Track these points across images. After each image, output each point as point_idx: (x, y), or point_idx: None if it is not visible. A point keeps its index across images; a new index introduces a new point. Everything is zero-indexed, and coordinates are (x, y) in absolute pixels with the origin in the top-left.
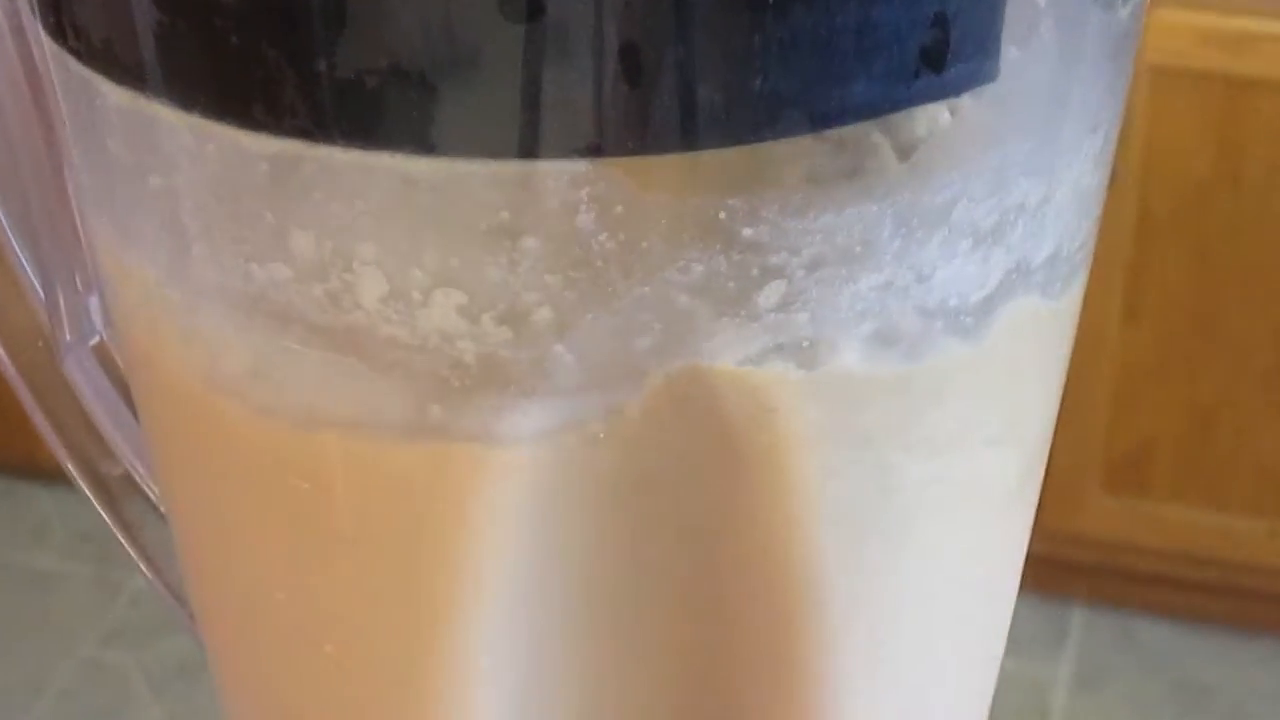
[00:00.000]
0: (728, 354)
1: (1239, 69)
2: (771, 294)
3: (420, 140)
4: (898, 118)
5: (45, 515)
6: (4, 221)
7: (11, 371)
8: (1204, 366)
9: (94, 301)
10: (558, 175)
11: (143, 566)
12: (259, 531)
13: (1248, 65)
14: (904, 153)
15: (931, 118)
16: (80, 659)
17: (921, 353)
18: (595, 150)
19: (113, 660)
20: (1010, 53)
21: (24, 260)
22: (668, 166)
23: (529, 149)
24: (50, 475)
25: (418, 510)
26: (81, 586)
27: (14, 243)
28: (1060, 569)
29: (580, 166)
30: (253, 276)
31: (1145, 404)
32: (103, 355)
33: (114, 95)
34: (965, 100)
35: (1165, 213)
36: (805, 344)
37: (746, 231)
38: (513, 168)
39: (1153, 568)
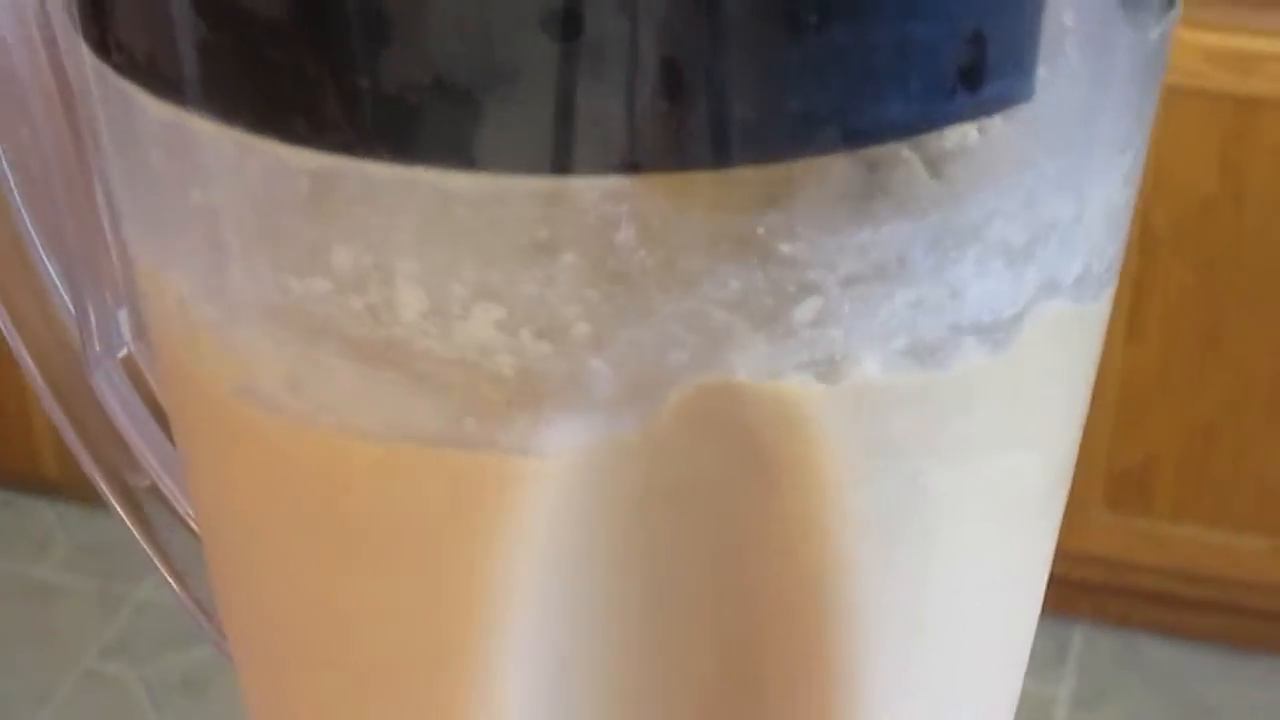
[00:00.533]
0: (761, 368)
1: (1245, 88)
2: (807, 310)
3: (461, 155)
4: (928, 136)
5: (48, 527)
6: (34, 234)
7: (40, 383)
8: (1207, 384)
9: (122, 314)
10: (596, 191)
11: (169, 579)
12: (291, 543)
13: (1253, 85)
14: (934, 168)
15: (961, 133)
16: (82, 671)
17: (949, 362)
18: (633, 166)
19: (114, 673)
20: (1040, 72)
21: (53, 273)
22: (705, 182)
23: (568, 165)
24: (53, 488)
25: (450, 522)
26: (83, 599)
27: (43, 255)
28: (1062, 586)
29: (619, 182)
30: (291, 290)
31: (1148, 421)
32: (130, 368)
33: (156, 109)
34: (995, 119)
35: (1169, 230)
36: (837, 358)
37: (784, 247)
38: (552, 183)
39: (1154, 585)
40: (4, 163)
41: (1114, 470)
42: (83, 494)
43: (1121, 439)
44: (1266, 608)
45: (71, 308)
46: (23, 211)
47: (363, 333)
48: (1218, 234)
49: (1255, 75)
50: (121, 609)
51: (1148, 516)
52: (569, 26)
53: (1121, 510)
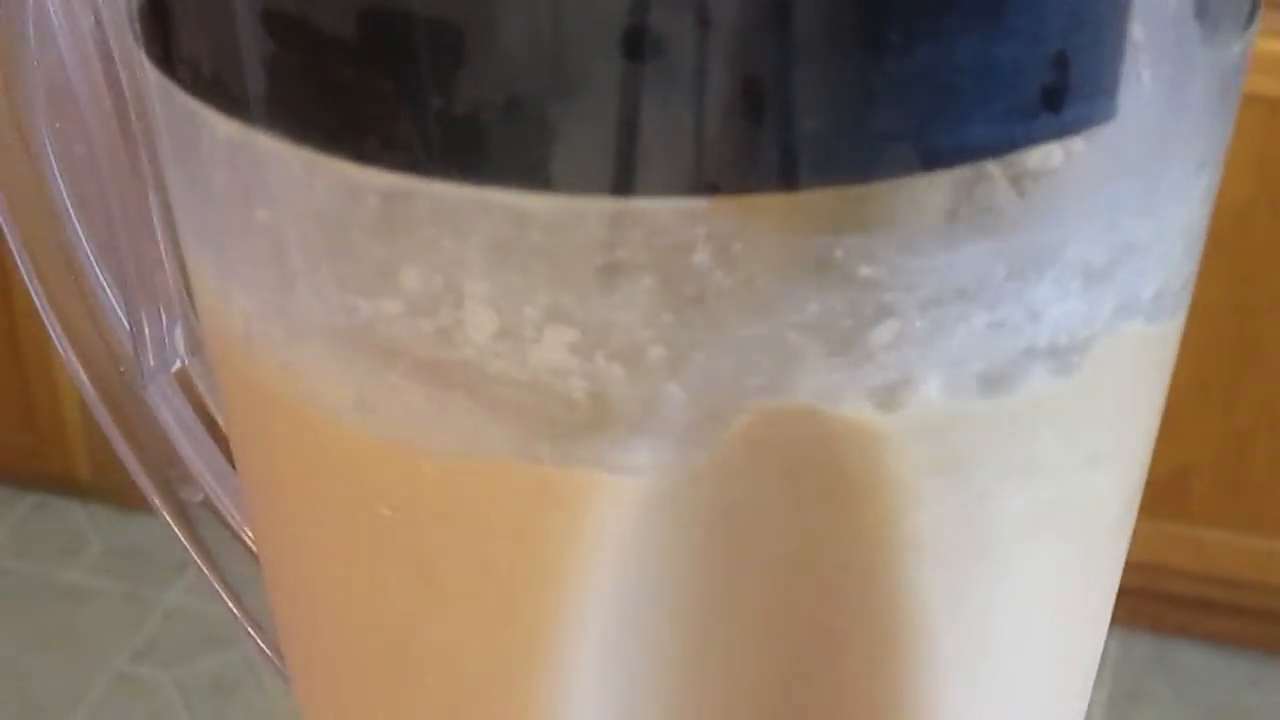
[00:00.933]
0: (835, 391)
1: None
2: (884, 332)
3: (535, 176)
4: (1013, 155)
5: (80, 530)
6: (88, 249)
7: (93, 396)
8: (1243, 390)
9: (177, 328)
10: (674, 213)
11: (221, 593)
12: (354, 563)
13: None
14: (1019, 185)
15: (1046, 153)
16: (113, 674)
17: (1017, 387)
18: (712, 188)
19: (146, 676)
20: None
21: (107, 287)
22: (784, 204)
23: (645, 186)
24: (86, 490)
25: (518, 543)
26: (114, 602)
27: (98, 270)
28: None
29: (696, 204)
30: (359, 311)
31: (1184, 428)
32: (184, 382)
33: (222, 127)
34: (1078, 140)
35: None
36: (911, 382)
37: (863, 270)
38: (626, 205)
39: (1189, 591)
40: (59, 177)
41: (1150, 477)
42: (116, 497)
43: (1158, 446)
44: None
45: (126, 322)
46: (77, 226)
47: (432, 354)
48: (1254, 240)
49: None
50: (153, 612)
51: (1183, 522)
52: (647, 46)
53: (1157, 516)
